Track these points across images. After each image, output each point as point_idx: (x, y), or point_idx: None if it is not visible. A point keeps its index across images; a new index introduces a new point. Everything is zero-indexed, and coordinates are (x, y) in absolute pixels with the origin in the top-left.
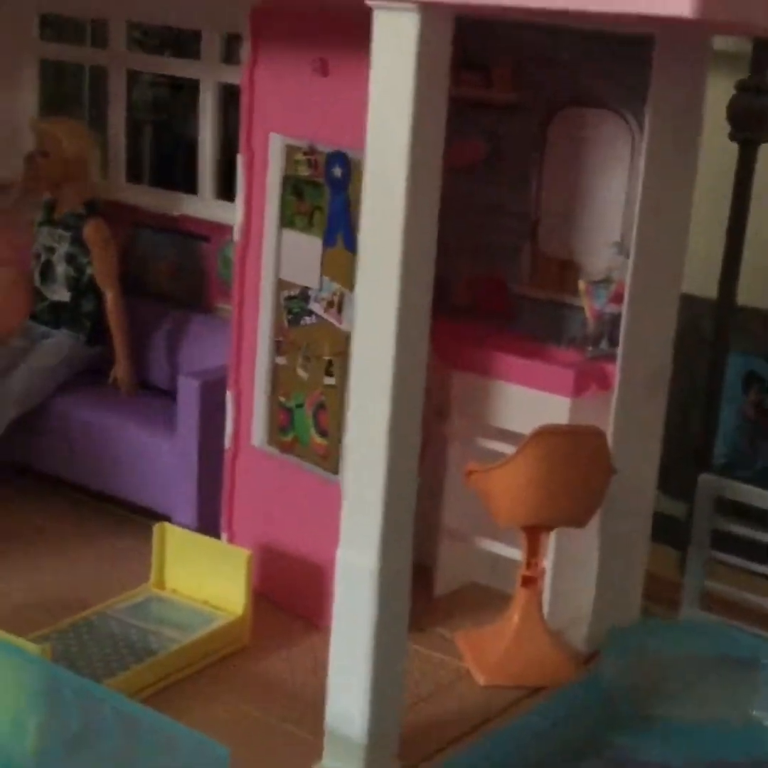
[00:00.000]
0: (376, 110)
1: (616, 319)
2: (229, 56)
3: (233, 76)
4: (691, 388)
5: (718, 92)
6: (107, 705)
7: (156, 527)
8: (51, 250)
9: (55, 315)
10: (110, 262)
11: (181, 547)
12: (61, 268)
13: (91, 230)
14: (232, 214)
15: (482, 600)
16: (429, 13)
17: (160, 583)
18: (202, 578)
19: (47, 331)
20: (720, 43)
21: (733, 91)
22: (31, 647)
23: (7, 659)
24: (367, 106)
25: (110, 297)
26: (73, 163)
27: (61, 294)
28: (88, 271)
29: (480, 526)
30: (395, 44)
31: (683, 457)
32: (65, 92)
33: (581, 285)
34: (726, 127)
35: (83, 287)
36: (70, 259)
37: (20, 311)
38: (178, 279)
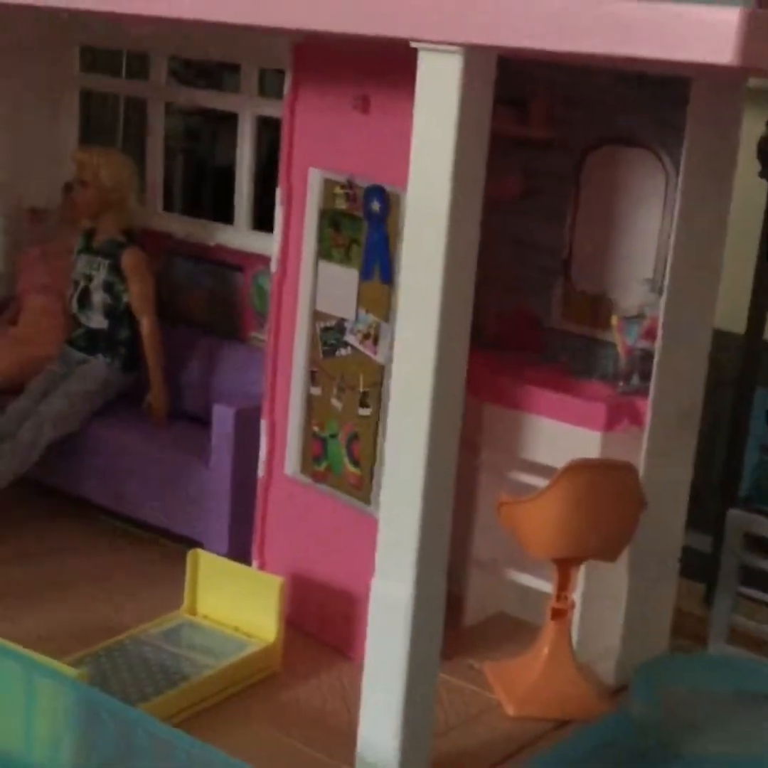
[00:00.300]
0: (419, 149)
1: (647, 354)
2: (266, 89)
3: (270, 109)
4: (715, 422)
5: (748, 128)
6: (142, 728)
7: (190, 554)
8: (89, 277)
9: (92, 341)
10: (147, 290)
11: (214, 573)
12: (98, 296)
13: (128, 258)
14: (267, 244)
15: (511, 631)
16: (473, 56)
17: (193, 609)
18: (234, 605)
19: (84, 357)
20: (750, 80)
21: (763, 128)
22: (68, 670)
23: (44, 681)
24: (406, 142)
25: (146, 324)
26: (112, 193)
27: (98, 321)
28: (125, 298)
29: (510, 557)
30: (439, 85)
31: (707, 491)
32: (99, 121)
33: (614, 320)
34: (755, 164)
35: (120, 315)
36: (108, 287)
37: (57, 337)
38: (211, 308)
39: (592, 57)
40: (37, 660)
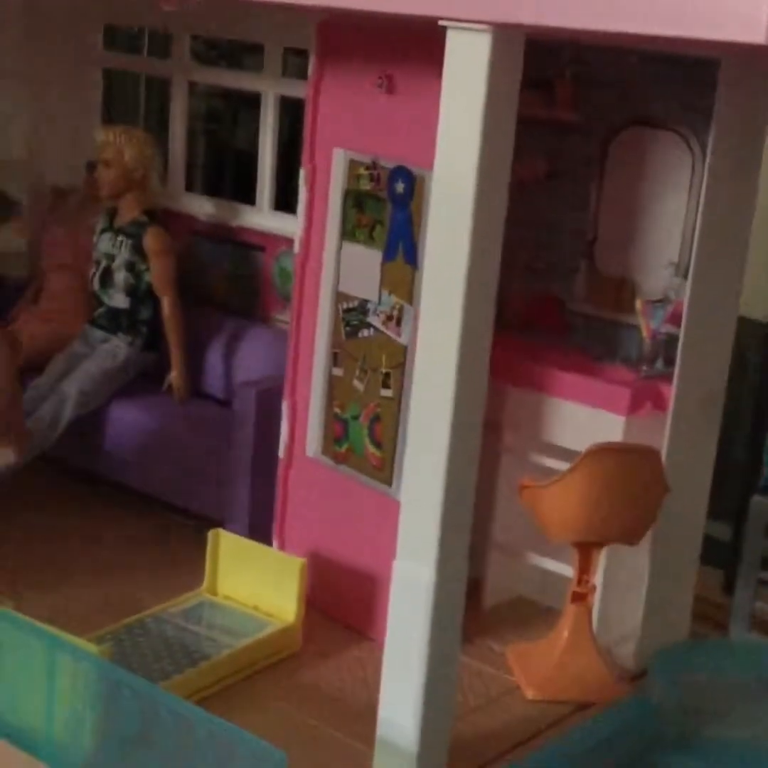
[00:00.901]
0: (447, 128)
1: (671, 339)
2: (288, 71)
3: (293, 89)
4: (736, 409)
5: None
6: (164, 706)
7: (210, 534)
8: (111, 257)
9: (114, 320)
10: (168, 270)
11: (234, 553)
12: (120, 275)
13: (151, 238)
14: (288, 224)
15: (530, 614)
16: (501, 35)
17: (213, 589)
18: (255, 585)
19: (105, 336)
20: None
21: None
22: (91, 648)
23: (66, 658)
24: (431, 122)
25: (167, 304)
26: (134, 172)
27: (119, 300)
28: (146, 278)
29: (529, 541)
30: (467, 64)
31: (726, 479)
32: (121, 100)
33: (638, 304)
34: None
35: (141, 294)
36: (130, 266)
37: (79, 316)
38: (233, 288)
39: (620, 36)
40: (60, 637)
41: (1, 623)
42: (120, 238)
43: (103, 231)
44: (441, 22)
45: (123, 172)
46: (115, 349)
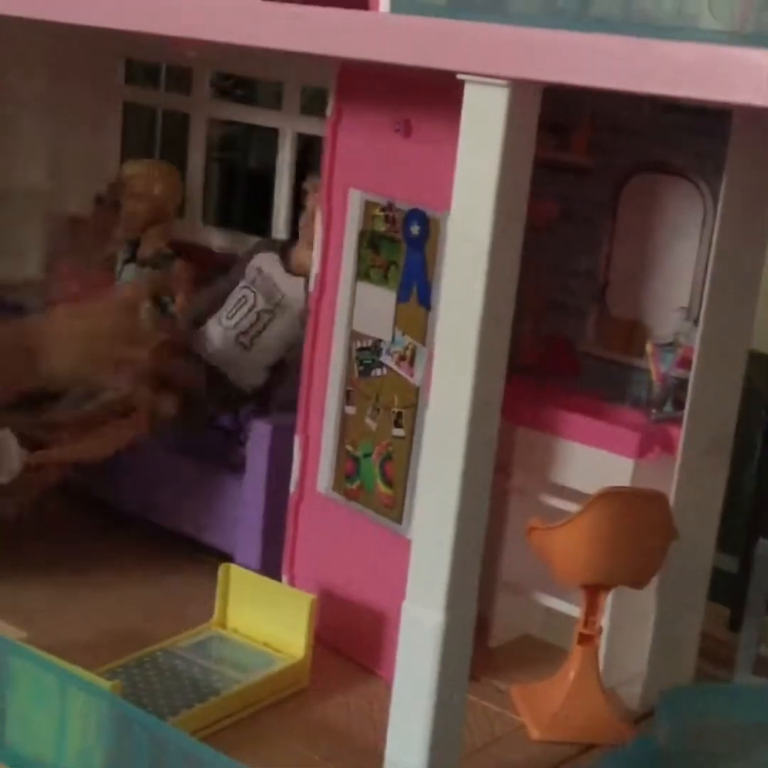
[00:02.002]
0: (463, 178)
1: (681, 382)
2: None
3: (310, 126)
4: (745, 442)
5: None
6: (173, 744)
7: (221, 567)
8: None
9: None
10: (191, 301)
11: (244, 587)
12: (144, 307)
13: (179, 270)
14: None
15: (536, 653)
16: (519, 89)
17: (223, 623)
18: (265, 620)
19: None
20: None
21: None
22: (103, 682)
23: (78, 692)
24: (447, 167)
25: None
26: (163, 205)
27: None
28: (171, 309)
29: (537, 580)
30: (484, 116)
31: (733, 510)
32: (137, 131)
33: (648, 347)
34: None
35: (163, 325)
36: (154, 297)
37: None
38: None
39: (637, 94)
40: (72, 671)
41: (14, 656)
42: (145, 269)
43: (126, 262)
44: (459, 76)
45: (151, 205)
46: None
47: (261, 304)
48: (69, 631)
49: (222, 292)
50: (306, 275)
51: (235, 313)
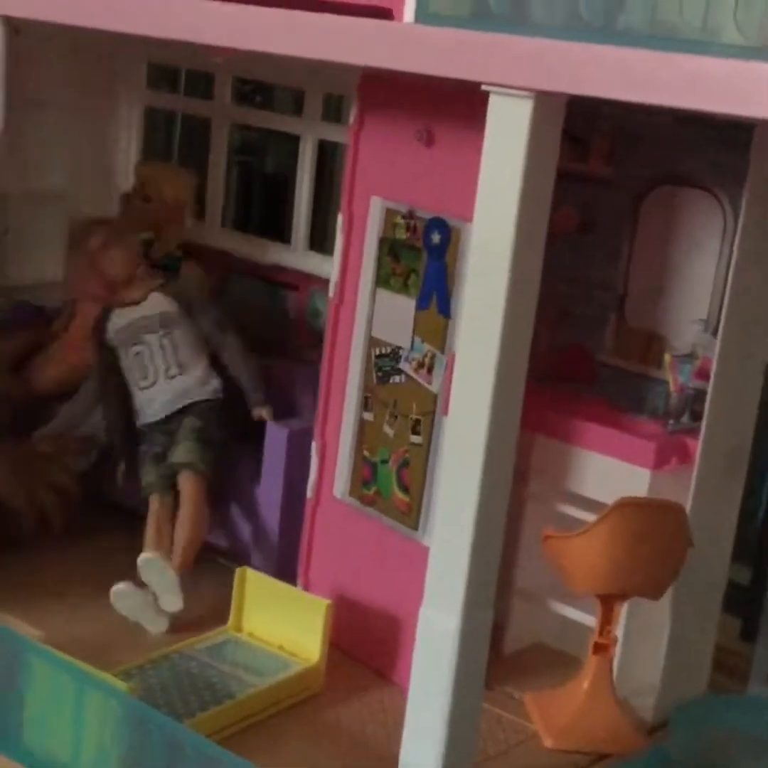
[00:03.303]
0: (486, 188)
1: (699, 393)
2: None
3: (331, 133)
4: (761, 452)
5: None
6: (190, 745)
7: (237, 571)
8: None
9: None
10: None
11: (260, 592)
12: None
13: (189, 270)
14: (322, 265)
15: (550, 661)
16: (543, 100)
17: (239, 626)
18: (280, 624)
19: None
20: None
21: None
22: (120, 684)
23: (94, 693)
24: (469, 176)
25: None
26: (173, 208)
27: None
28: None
29: (552, 588)
30: (508, 127)
31: (745, 520)
32: (156, 134)
33: (667, 358)
34: None
35: None
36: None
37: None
38: (266, 326)
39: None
40: (88, 672)
41: (31, 656)
42: (156, 271)
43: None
44: (483, 87)
45: (162, 207)
46: None
47: (155, 341)
48: (83, 632)
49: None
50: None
51: (147, 369)
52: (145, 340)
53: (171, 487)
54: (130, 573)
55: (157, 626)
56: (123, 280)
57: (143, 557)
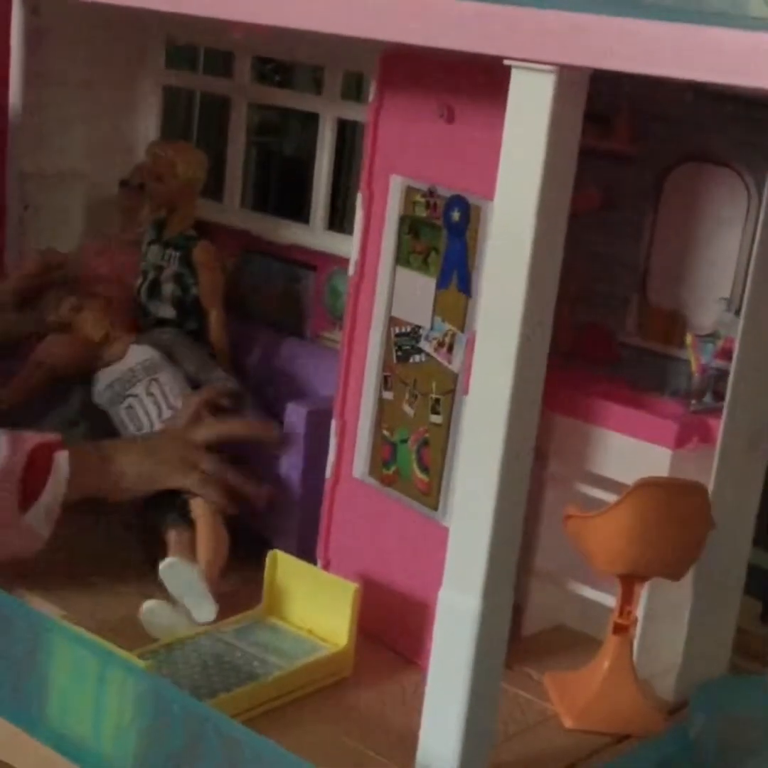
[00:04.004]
0: (507, 164)
1: (721, 374)
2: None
3: (351, 112)
4: None
5: None
6: (211, 724)
7: (269, 555)
8: (159, 268)
9: None
10: (216, 284)
11: (291, 575)
12: (168, 287)
13: (200, 251)
14: (340, 244)
15: (569, 642)
16: (566, 75)
17: (269, 609)
18: (309, 608)
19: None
20: None
21: None
22: (141, 662)
23: (116, 671)
24: (490, 153)
25: (214, 317)
26: (185, 187)
27: (166, 311)
28: (194, 291)
29: (571, 569)
30: (531, 102)
31: (764, 503)
32: (174, 114)
33: (689, 338)
34: None
35: (188, 306)
36: (177, 278)
37: (119, 326)
38: (283, 306)
39: (684, 81)
40: (110, 649)
41: (53, 633)
42: (168, 250)
43: (151, 243)
44: (506, 62)
45: (174, 187)
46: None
47: (142, 390)
48: (107, 612)
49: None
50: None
51: (141, 421)
52: (133, 391)
53: (187, 517)
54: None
55: None
56: (101, 341)
57: (166, 562)
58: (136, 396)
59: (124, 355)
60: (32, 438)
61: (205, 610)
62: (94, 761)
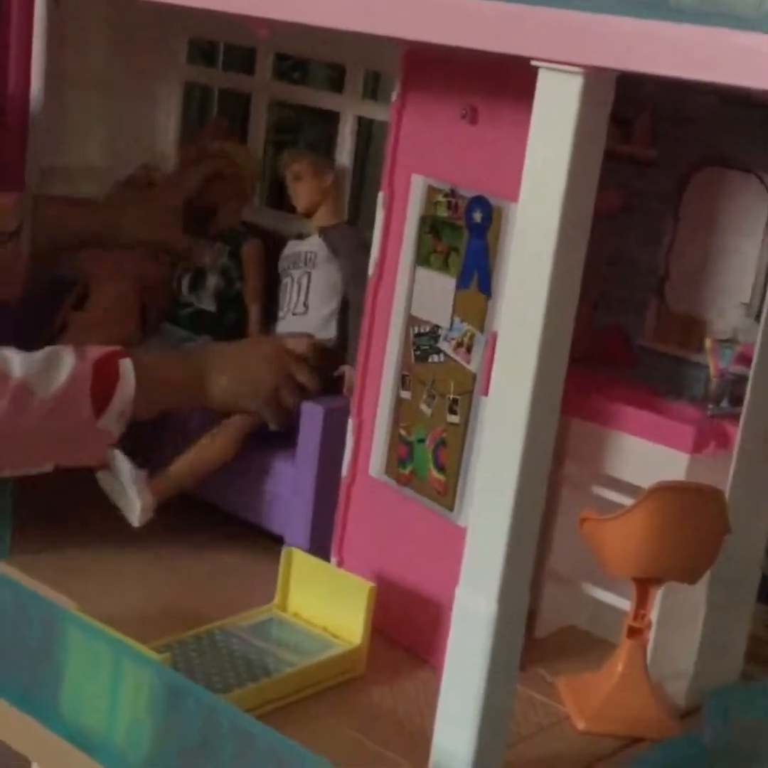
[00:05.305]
0: (532, 166)
1: (739, 378)
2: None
3: (372, 110)
4: None
5: None
6: (226, 718)
7: (284, 552)
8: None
9: (199, 322)
10: (261, 281)
11: (306, 572)
12: (212, 280)
13: (251, 248)
14: None
15: (582, 645)
16: (593, 77)
17: (284, 606)
18: (324, 605)
19: (189, 336)
20: None
21: None
22: (156, 655)
23: (131, 664)
24: (513, 155)
25: (254, 312)
26: (241, 183)
27: (207, 303)
28: (237, 285)
29: (585, 571)
30: (557, 103)
31: None
32: (194, 111)
33: (708, 342)
34: None
35: (229, 299)
36: (224, 271)
37: (132, 321)
38: None
39: (710, 85)
40: (126, 643)
41: (69, 625)
42: (217, 244)
43: (195, 236)
44: (533, 62)
45: (233, 183)
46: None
47: (297, 275)
48: (121, 606)
49: None
50: (317, 229)
51: (283, 301)
52: (291, 274)
53: None
54: (171, 550)
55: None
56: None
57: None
58: (291, 277)
59: (311, 236)
60: (97, 349)
61: (131, 515)
62: (108, 754)
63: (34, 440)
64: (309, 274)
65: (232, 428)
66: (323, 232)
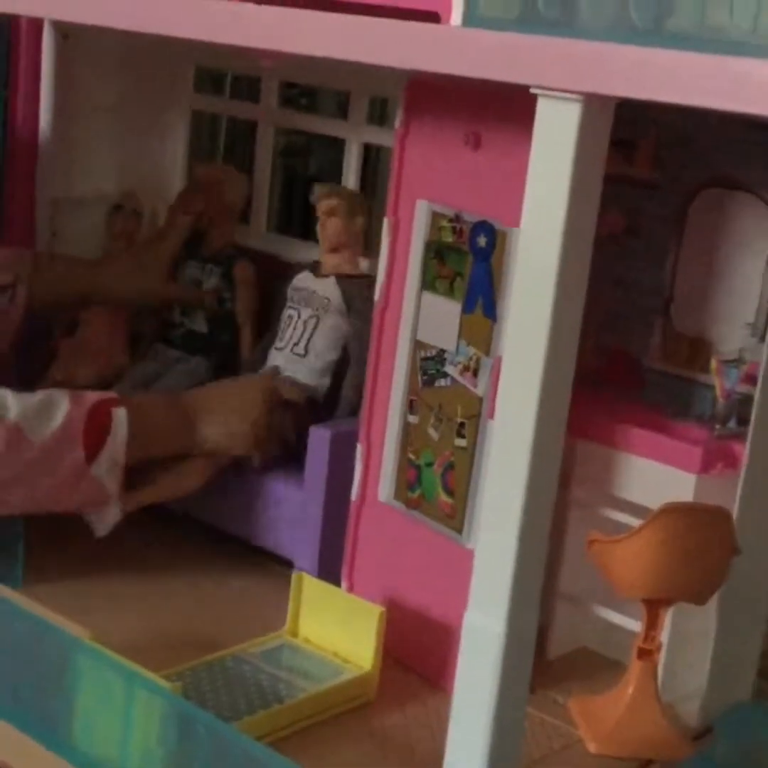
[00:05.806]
0: (533, 191)
1: (746, 399)
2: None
3: (377, 136)
4: None
5: None
6: (238, 747)
7: (294, 577)
8: (198, 283)
9: (191, 343)
10: (253, 302)
11: (316, 597)
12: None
13: (242, 269)
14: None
15: (593, 666)
16: (592, 104)
17: (294, 631)
18: (335, 630)
19: (182, 356)
20: None
21: None
22: (169, 685)
23: (143, 693)
24: (515, 180)
25: (247, 333)
26: (230, 208)
27: (199, 324)
28: (228, 306)
29: (595, 593)
30: (556, 130)
31: None
32: (201, 137)
33: (713, 363)
34: None
35: (221, 320)
36: (216, 293)
37: (122, 348)
38: None
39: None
40: (138, 672)
41: (82, 655)
42: (209, 266)
43: (188, 258)
44: (532, 90)
45: (222, 207)
46: (193, 368)
47: (305, 314)
48: (133, 633)
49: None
50: (335, 275)
51: (285, 333)
52: (299, 310)
53: None
54: (182, 577)
55: None
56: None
57: None
58: (298, 312)
59: (328, 278)
60: (92, 395)
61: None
62: None
63: (28, 483)
64: (318, 319)
65: (200, 462)
66: (341, 279)
